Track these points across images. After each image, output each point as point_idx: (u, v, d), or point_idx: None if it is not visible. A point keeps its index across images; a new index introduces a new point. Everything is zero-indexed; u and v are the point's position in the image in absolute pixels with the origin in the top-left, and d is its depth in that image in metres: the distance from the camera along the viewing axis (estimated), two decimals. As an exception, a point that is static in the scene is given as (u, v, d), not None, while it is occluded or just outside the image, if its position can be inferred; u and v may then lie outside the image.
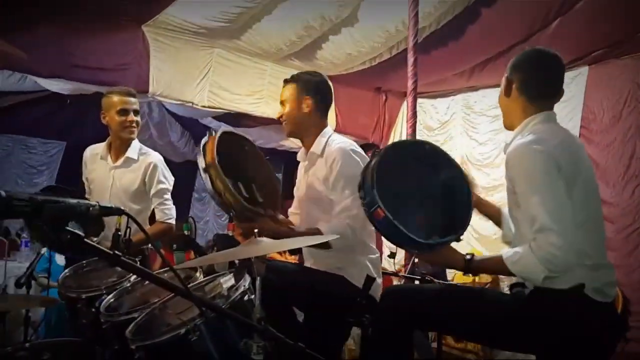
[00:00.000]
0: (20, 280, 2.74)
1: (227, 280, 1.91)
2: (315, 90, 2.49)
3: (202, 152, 2.18)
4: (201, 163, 2.16)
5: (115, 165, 3.05)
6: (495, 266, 1.82)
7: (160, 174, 3.07)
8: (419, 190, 1.94)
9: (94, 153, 3.15)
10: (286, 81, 2.54)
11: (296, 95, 2.47)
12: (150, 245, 2.90)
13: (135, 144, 3.08)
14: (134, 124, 3.02)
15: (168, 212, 3.07)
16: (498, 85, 2.07)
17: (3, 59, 4.40)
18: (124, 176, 3.04)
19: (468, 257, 1.82)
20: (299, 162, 2.64)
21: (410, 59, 3.39)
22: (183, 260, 3.62)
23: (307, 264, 2.55)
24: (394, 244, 1.89)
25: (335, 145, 2.40)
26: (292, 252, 2.86)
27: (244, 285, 1.79)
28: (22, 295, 2.86)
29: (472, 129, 6.08)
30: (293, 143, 6.75)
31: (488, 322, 1.85)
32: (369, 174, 1.79)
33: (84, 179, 3.19)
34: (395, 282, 4.65)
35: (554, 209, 1.68)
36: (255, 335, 1.55)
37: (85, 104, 7.22)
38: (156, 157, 3.12)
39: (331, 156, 2.37)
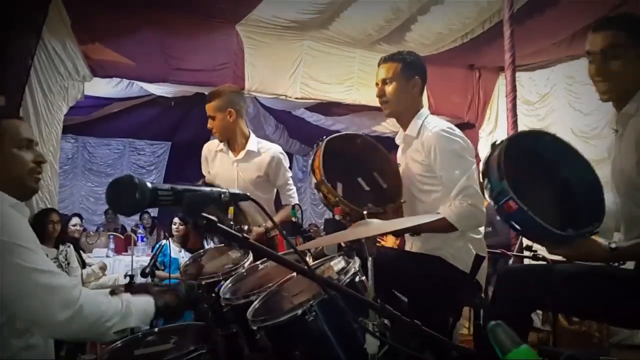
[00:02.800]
0: (145, 270, 2.97)
1: (337, 263, 1.97)
2: (420, 70, 2.44)
3: (310, 171, 2.27)
4: (312, 181, 2.27)
5: (238, 159, 3.20)
6: None
7: (283, 166, 3.23)
8: (543, 182, 1.86)
9: (214, 149, 3.30)
10: (387, 59, 2.45)
11: (403, 74, 2.40)
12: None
13: (253, 137, 3.24)
14: (213, 129, 3.16)
15: (294, 196, 3.27)
16: (602, 52, 1.92)
17: (114, 69, 4.76)
18: (247, 168, 3.19)
19: (613, 245, 1.69)
20: (391, 147, 2.64)
21: (507, 32, 3.24)
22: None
23: (407, 247, 2.56)
24: (527, 237, 1.81)
25: (431, 129, 2.36)
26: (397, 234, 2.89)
27: (355, 267, 1.84)
28: (147, 284, 3.09)
29: (575, 100, 5.75)
30: (385, 128, 6.73)
31: (618, 299, 1.75)
32: (495, 165, 1.69)
33: (205, 172, 3.36)
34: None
35: None
36: (371, 314, 1.60)
37: (188, 105, 7.67)
38: (277, 150, 3.25)
39: (428, 142, 2.34)
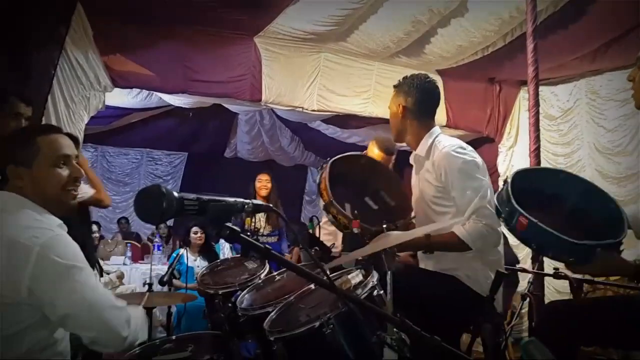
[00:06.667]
0: (163, 279, 2.99)
1: (355, 276, 1.96)
2: (416, 92, 2.44)
3: (318, 193, 2.29)
4: (321, 204, 2.30)
5: None
6: None
7: None
8: (555, 213, 1.86)
9: None
10: (394, 88, 2.54)
11: (394, 101, 2.48)
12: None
13: None
14: None
15: None
16: (625, 67, 1.93)
17: (135, 79, 4.81)
18: None
19: (638, 262, 1.67)
20: (409, 162, 2.64)
21: (530, 46, 3.21)
22: (309, 258, 3.79)
23: (422, 265, 2.53)
24: (547, 255, 1.80)
25: (441, 149, 2.34)
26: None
27: (373, 281, 1.82)
28: (164, 292, 3.11)
29: (598, 116, 5.67)
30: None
31: None
32: (503, 193, 1.76)
33: None
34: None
35: None
36: (389, 328, 1.58)
37: (205, 116, 7.73)
38: None
39: (438, 163, 2.32)
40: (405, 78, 2.50)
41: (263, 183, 5.33)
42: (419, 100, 2.44)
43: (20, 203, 1.60)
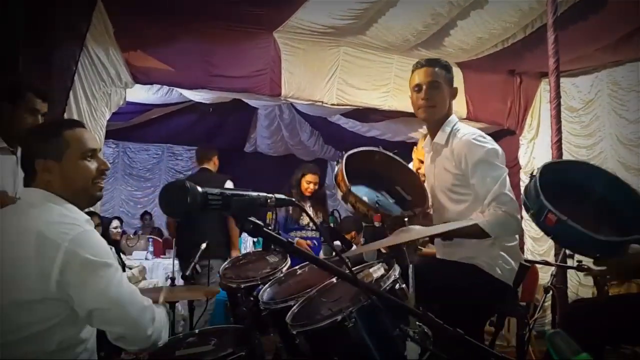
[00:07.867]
0: (185, 274, 3.02)
1: (377, 270, 1.96)
2: (453, 80, 2.46)
3: (336, 185, 2.30)
4: (339, 195, 2.30)
5: None
6: None
7: None
8: (584, 206, 1.88)
9: None
10: (432, 63, 2.42)
11: (449, 81, 2.42)
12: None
13: None
14: None
15: None
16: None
17: (155, 75, 4.85)
18: None
19: None
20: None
21: (551, 37, 3.17)
22: (330, 251, 3.79)
23: (439, 255, 2.53)
24: (572, 250, 1.82)
25: (461, 137, 2.33)
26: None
27: (395, 275, 1.82)
28: (186, 287, 3.15)
29: (620, 107, 5.60)
30: (421, 135, 6.67)
31: None
32: (532, 187, 1.78)
33: None
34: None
35: None
36: (412, 322, 1.58)
37: (225, 111, 7.77)
38: None
39: (458, 151, 2.31)
40: (443, 62, 2.46)
41: (311, 187, 4.75)
42: (453, 89, 2.47)
43: (46, 198, 1.62)
